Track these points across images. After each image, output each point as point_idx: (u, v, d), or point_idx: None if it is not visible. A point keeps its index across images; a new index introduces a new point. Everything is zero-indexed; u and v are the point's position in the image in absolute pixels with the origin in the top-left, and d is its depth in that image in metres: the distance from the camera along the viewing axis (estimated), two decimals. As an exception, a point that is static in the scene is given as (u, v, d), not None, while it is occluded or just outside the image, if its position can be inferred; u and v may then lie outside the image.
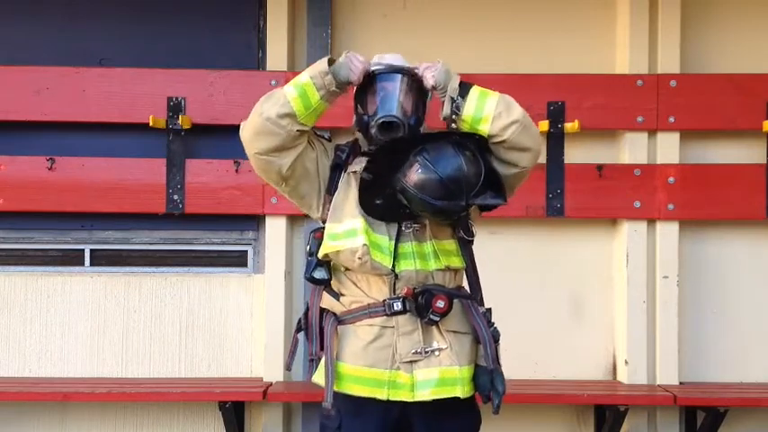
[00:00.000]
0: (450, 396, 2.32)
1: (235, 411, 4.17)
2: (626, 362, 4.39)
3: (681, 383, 4.36)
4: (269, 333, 4.39)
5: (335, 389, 2.34)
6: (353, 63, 2.40)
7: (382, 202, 2.34)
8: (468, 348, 2.38)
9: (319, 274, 2.40)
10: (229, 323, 4.48)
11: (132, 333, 4.47)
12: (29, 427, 4.43)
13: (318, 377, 2.38)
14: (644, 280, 4.39)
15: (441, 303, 2.28)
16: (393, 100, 2.38)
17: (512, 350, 4.33)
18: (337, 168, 2.45)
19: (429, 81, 2.40)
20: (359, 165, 2.41)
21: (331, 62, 2.40)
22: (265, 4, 4.51)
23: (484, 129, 2.35)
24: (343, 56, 2.43)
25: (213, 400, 4.19)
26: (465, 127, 2.36)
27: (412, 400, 2.31)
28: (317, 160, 2.46)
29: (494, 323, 2.42)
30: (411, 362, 2.31)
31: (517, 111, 2.37)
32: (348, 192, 2.40)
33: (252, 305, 4.48)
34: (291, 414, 4.46)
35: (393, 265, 2.32)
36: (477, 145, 2.35)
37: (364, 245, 2.29)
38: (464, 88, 2.36)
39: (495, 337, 2.39)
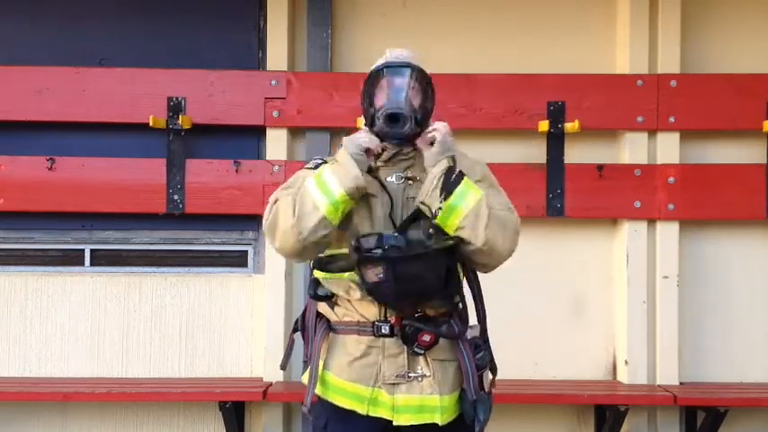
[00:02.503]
0: (429, 422, 2.31)
1: (235, 411, 4.17)
2: (626, 362, 4.39)
3: (681, 383, 4.36)
4: (269, 333, 4.39)
5: (321, 395, 2.36)
6: (362, 141, 2.29)
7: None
8: (452, 376, 2.36)
9: (323, 291, 2.40)
10: (229, 323, 4.48)
11: (132, 333, 4.48)
12: (29, 427, 4.43)
13: (306, 378, 2.41)
14: (644, 280, 4.40)
15: (426, 338, 2.28)
16: (401, 93, 2.33)
17: (512, 350, 4.36)
18: None
19: (430, 159, 2.32)
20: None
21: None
22: (265, 4, 4.51)
23: (448, 228, 2.27)
24: (346, 149, 2.28)
25: (213, 400, 4.19)
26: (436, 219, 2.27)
27: (395, 423, 2.31)
28: None
29: (482, 348, 2.38)
30: (393, 384, 2.31)
31: (480, 234, 2.26)
32: (344, 219, 2.36)
33: (252, 305, 4.48)
34: (291, 414, 4.46)
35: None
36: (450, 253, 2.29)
37: (351, 281, 2.29)
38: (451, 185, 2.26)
39: (482, 364, 2.36)
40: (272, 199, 2.37)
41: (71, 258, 4.55)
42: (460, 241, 2.26)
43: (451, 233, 2.26)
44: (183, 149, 4.39)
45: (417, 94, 2.37)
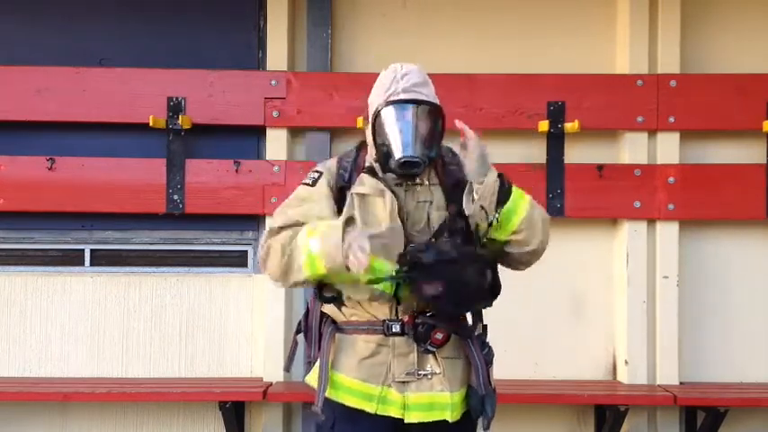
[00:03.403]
0: (440, 419, 2.34)
1: (235, 411, 4.17)
2: (626, 362, 4.39)
3: (681, 383, 4.36)
4: (269, 333, 4.39)
5: (329, 395, 2.36)
6: (358, 258, 2.17)
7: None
8: (461, 372, 2.38)
9: (329, 293, 2.40)
10: (229, 323, 4.48)
11: (132, 333, 4.48)
12: (29, 427, 4.43)
13: (311, 379, 2.41)
14: (644, 280, 4.40)
15: (439, 336, 2.31)
16: (411, 134, 2.31)
17: (512, 350, 4.36)
18: (343, 190, 2.41)
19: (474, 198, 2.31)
20: (361, 186, 2.36)
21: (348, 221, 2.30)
22: (265, 4, 4.51)
23: (503, 233, 2.35)
24: (348, 244, 2.19)
25: (213, 400, 4.19)
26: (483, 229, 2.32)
27: (404, 420, 2.33)
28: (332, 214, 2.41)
29: (488, 345, 2.42)
30: (403, 382, 2.33)
31: (537, 236, 2.39)
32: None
33: (252, 305, 4.48)
34: (291, 414, 4.46)
35: (395, 290, 2.32)
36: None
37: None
38: (501, 200, 2.31)
39: (489, 359, 2.40)
40: (269, 225, 2.41)
41: (71, 258, 4.55)
42: (514, 244, 2.35)
43: (505, 238, 2.33)
44: (183, 149, 4.39)
45: (426, 125, 2.34)
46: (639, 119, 4.40)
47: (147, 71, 4.43)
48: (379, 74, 2.46)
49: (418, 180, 2.38)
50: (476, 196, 2.30)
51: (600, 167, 4.39)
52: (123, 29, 4.54)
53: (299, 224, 2.34)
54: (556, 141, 4.40)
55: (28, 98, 4.39)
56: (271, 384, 4.30)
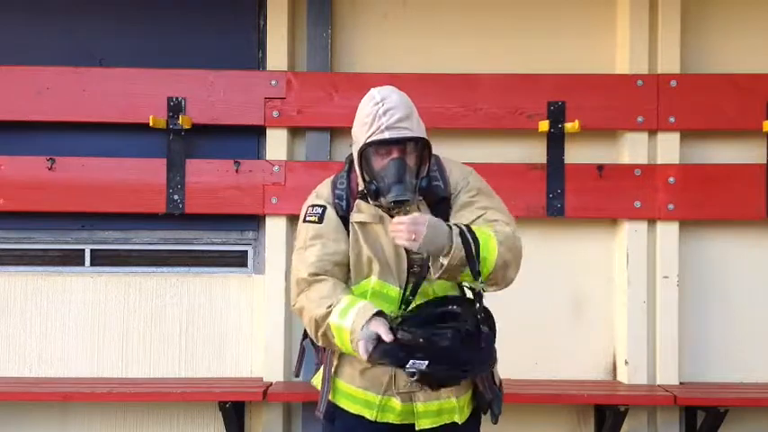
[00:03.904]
0: (449, 422, 2.42)
1: (235, 411, 4.17)
2: (626, 362, 4.39)
3: (681, 383, 4.36)
4: (269, 333, 4.39)
5: (331, 399, 2.44)
6: (360, 351, 2.21)
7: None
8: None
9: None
10: (230, 323, 4.48)
11: (132, 333, 4.48)
12: (29, 427, 4.43)
13: (316, 381, 2.50)
14: (644, 280, 4.40)
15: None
16: (399, 174, 2.26)
17: (512, 350, 4.35)
18: (343, 219, 2.41)
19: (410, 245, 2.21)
20: (360, 214, 2.39)
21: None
22: (265, 4, 4.51)
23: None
24: (356, 343, 2.22)
25: (213, 400, 4.19)
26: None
27: (418, 428, 2.39)
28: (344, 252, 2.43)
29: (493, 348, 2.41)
30: (408, 393, 2.39)
31: (510, 278, 2.30)
32: (358, 250, 2.38)
33: (252, 305, 4.48)
34: (291, 414, 4.46)
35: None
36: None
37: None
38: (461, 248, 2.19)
39: (493, 361, 2.39)
40: (296, 276, 2.41)
41: (71, 258, 4.55)
42: (493, 284, 2.29)
43: (485, 286, 2.27)
44: (183, 149, 4.39)
45: (414, 158, 2.31)
46: (639, 119, 4.40)
47: (147, 71, 4.43)
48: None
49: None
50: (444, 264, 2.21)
51: (600, 167, 4.39)
52: (123, 29, 4.53)
53: (322, 272, 2.36)
54: (556, 141, 4.40)
55: (28, 98, 4.39)
56: (271, 384, 4.30)
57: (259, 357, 4.43)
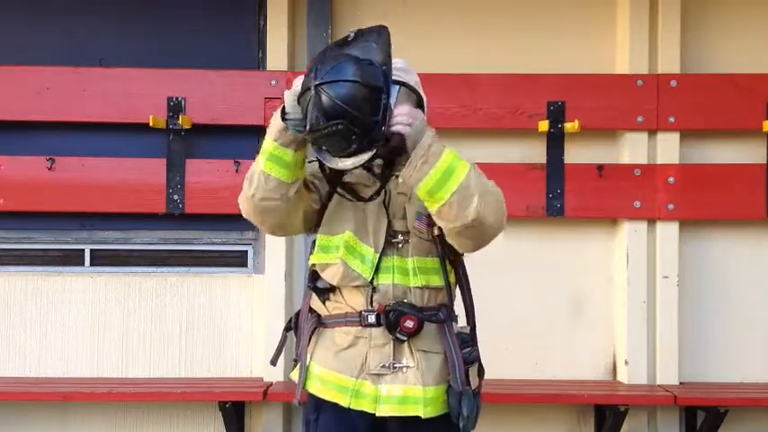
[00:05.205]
0: (412, 415, 2.29)
1: (235, 411, 4.18)
2: (626, 362, 4.39)
3: (681, 383, 4.36)
4: (269, 333, 4.38)
5: (307, 388, 2.38)
6: (274, 119, 2.26)
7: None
8: (439, 368, 2.34)
9: (322, 283, 2.40)
10: (230, 323, 4.49)
11: (132, 333, 4.48)
12: (29, 427, 4.43)
13: (294, 375, 2.44)
14: (644, 280, 4.40)
15: (409, 324, 2.26)
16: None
17: (512, 350, 4.37)
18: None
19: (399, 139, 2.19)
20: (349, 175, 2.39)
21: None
22: (265, 4, 4.51)
23: (430, 206, 2.21)
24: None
25: (213, 400, 4.19)
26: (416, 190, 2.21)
27: (377, 414, 2.30)
28: (321, 198, 2.44)
29: (471, 345, 2.37)
30: (378, 375, 2.31)
31: (471, 212, 2.16)
32: (340, 203, 2.38)
33: (252, 305, 4.48)
34: (291, 414, 4.46)
35: (372, 278, 2.32)
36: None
37: (340, 259, 2.29)
38: (433, 153, 2.17)
39: (469, 359, 2.35)
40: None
41: (71, 258, 4.55)
42: (443, 216, 2.20)
43: (434, 209, 2.19)
44: (183, 149, 4.40)
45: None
46: (639, 119, 4.40)
47: (147, 71, 4.43)
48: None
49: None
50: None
51: (600, 167, 4.39)
52: (123, 29, 4.53)
53: None
54: (556, 141, 4.40)
55: (28, 98, 4.39)
56: (271, 384, 4.30)
57: (259, 357, 4.43)
